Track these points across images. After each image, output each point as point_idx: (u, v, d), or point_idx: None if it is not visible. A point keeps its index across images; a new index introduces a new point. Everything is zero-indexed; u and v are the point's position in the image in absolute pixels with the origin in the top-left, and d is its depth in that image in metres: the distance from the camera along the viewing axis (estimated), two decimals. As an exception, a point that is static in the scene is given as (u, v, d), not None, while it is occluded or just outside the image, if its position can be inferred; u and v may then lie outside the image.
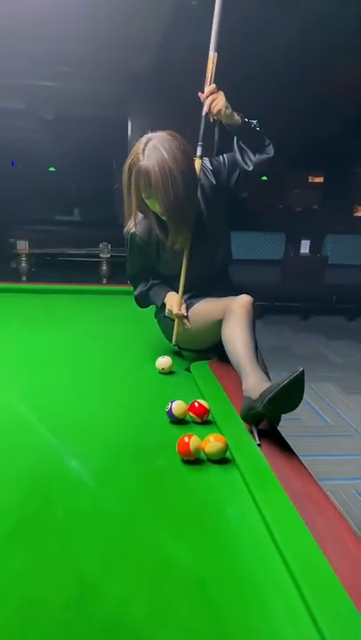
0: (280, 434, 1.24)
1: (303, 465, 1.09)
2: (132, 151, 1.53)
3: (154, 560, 0.82)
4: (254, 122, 1.65)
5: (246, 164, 1.66)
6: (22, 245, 6.88)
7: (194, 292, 1.74)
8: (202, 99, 1.59)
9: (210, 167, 1.71)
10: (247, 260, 5.24)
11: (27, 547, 0.84)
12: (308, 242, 5.38)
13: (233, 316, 1.50)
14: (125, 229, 1.72)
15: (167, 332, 1.82)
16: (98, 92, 5.45)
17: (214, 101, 1.56)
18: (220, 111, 1.56)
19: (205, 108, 1.58)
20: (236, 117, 1.60)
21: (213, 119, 1.60)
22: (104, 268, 6.87)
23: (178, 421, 1.30)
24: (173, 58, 4.35)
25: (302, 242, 5.41)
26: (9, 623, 0.69)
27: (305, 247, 5.42)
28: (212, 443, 1.12)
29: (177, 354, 1.83)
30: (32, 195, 9.75)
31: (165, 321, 1.80)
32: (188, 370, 1.68)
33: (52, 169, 11.09)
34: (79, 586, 0.76)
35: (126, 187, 1.57)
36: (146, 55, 4.36)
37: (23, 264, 6.87)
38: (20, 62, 4.48)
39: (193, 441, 1.12)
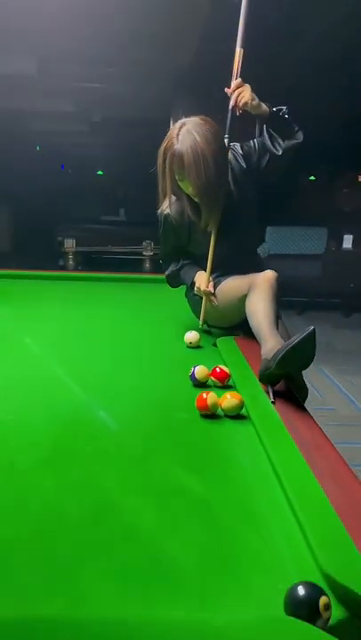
0: (295, 396, 1.29)
1: (313, 419, 1.15)
2: (167, 136, 1.63)
3: (166, 487, 0.92)
4: (283, 108, 1.72)
5: (276, 148, 1.73)
6: (69, 243, 7.15)
7: (222, 272, 1.82)
8: (228, 93, 1.67)
9: (240, 152, 1.79)
10: (288, 255, 5.24)
11: (55, 472, 0.96)
12: (351, 237, 5.33)
13: (257, 289, 1.57)
14: (159, 211, 1.82)
15: (197, 311, 1.91)
16: (142, 93, 5.61)
17: (240, 95, 1.64)
18: (246, 104, 1.63)
19: (232, 102, 1.66)
20: (264, 108, 1.66)
21: (240, 112, 1.68)
22: (147, 264, 7.04)
23: (200, 384, 1.39)
24: (215, 56, 4.43)
25: (345, 236, 5.36)
26: (38, 527, 0.80)
27: (348, 242, 5.37)
28: (228, 399, 1.20)
29: (206, 332, 1.91)
30: (79, 196, 10.07)
31: (195, 299, 1.89)
32: (214, 345, 1.76)
33: (100, 173, 11.41)
34: (98, 503, 0.87)
35: (161, 170, 1.67)
36: (188, 54, 4.47)
37: (70, 261, 7.15)
38: (66, 65, 4.69)
39: (210, 397, 1.20)
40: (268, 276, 1.61)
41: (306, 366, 1.29)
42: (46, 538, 0.78)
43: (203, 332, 1.90)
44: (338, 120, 6.05)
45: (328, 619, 0.62)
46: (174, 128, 1.62)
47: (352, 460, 2.67)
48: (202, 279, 1.78)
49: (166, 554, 0.75)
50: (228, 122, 1.71)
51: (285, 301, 5.99)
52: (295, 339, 1.23)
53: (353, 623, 0.65)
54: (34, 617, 0.59)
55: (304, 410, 1.20)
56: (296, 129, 1.74)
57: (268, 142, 1.74)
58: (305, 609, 0.61)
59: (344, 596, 0.66)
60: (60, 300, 2.48)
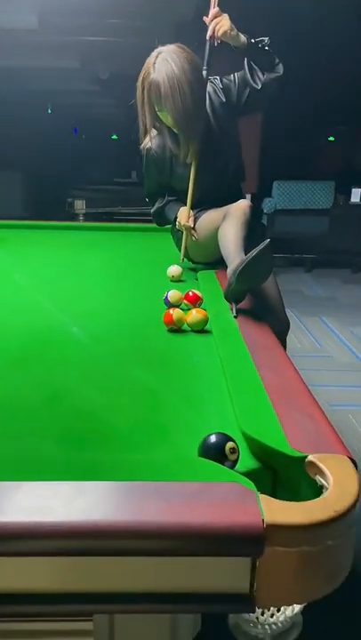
0: (260, 315, 1.35)
1: (271, 331, 1.21)
2: (144, 66, 1.65)
3: (121, 381, 1.00)
4: (265, 40, 1.71)
5: (255, 82, 1.72)
6: (79, 205, 7.20)
7: (205, 207, 1.86)
8: (206, 22, 1.66)
9: (220, 85, 1.79)
10: (294, 210, 5.20)
11: (21, 371, 1.05)
12: (360, 190, 5.24)
13: (229, 217, 1.62)
14: (142, 146, 1.85)
15: (180, 246, 1.96)
16: (147, 47, 5.50)
17: (218, 24, 1.62)
18: (225, 33, 1.62)
19: (210, 32, 1.65)
20: (243, 39, 1.65)
21: (218, 42, 1.67)
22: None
23: (173, 307, 1.45)
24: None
25: (353, 190, 5.27)
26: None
27: (356, 196, 5.29)
28: (193, 314, 1.27)
29: (191, 270, 1.96)
30: (92, 158, 10.01)
31: (178, 235, 1.93)
32: (196, 279, 1.82)
33: (114, 137, 11.29)
34: (55, 393, 0.96)
35: (140, 101, 1.69)
36: (190, 3, 4.37)
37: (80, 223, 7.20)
38: (68, 18, 4.64)
39: (176, 312, 1.27)
40: (241, 204, 1.64)
41: (263, 280, 1.35)
42: (6, 416, 0.87)
43: (188, 268, 1.95)
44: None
45: (235, 461, 0.69)
46: (151, 57, 1.62)
47: (338, 400, 2.75)
48: (183, 214, 1.82)
49: (108, 424, 0.83)
50: (207, 53, 1.70)
51: (294, 259, 5.99)
52: (252, 253, 1.28)
53: (266, 473, 0.73)
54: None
55: (264, 323, 1.26)
56: (277, 61, 1.73)
57: (248, 76, 1.73)
58: (213, 451, 0.68)
59: (258, 449, 0.73)
60: (58, 246, 2.55)
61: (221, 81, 1.79)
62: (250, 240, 1.61)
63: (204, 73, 1.73)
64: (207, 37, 1.67)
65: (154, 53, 1.63)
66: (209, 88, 1.75)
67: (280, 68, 1.73)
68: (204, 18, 1.67)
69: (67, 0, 4.32)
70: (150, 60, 1.62)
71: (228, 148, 1.82)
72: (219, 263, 1.85)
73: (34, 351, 1.15)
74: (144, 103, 1.67)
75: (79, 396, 0.94)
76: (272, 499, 0.60)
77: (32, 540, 0.57)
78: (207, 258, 1.89)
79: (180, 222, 1.82)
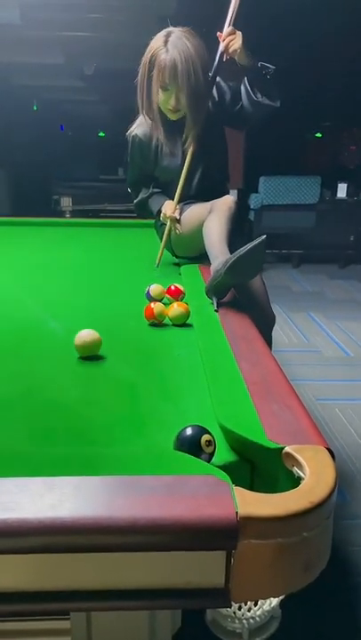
0: (242, 308, 1.34)
1: (252, 324, 1.20)
2: (151, 46, 1.62)
3: (99, 375, 0.98)
4: (270, 68, 1.67)
5: (250, 100, 1.70)
6: (66, 202, 7.14)
7: (190, 201, 1.84)
8: (220, 38, 1.64)
9: (221, 84, 1.77)
10: (281, 205, 5.20)
11: (-2, 365, 1.02)
12: (346, 185, 5.25)
13: (214, 212, 1.60)
14: (128, 132, 1.83)
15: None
16: (131, 41, 5.46)
17: (232, 42, 1.61)
18: (235, 51, 1.61)
19: (221, 47, 1.64)
20: (250, 60, 1.64)
21: (227, 58, 1.66)
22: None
23: (155, 302, 1.43)
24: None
25: (339, 185, 5.29)
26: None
27: (342, 191, 5.30)
28: (175, 308, 1.26)
29: (175, 264, 1.94)
30: (77, 156, 9.94)
31: (163, 229, 1.92)
32: (180, 274, 1.80)
33: (101, 134, 11.21)
34: (31, 385, 0.94)
35: (141, 83, 1.67)
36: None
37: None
38: (51, 12, 4.58)
39: (157, 306, 1.26)
40: (227, 199, 1.64)
41: (252, 276, 1.34)
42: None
43: (171, 262, 1.93)
44: (348, 77, 5.88)
45: (211, 453, 0.68)
46: (159, 37, 1.60)
47: (325, 394, 2.76)
48: (169, 206, 1.80)
49: (83, 418, 0.82)
50: (215, 65, 1.69)
51: (281, 254, 6.00)
52: (247, 246, 1.27)
53: (243, 465, 0.72)
54: None
55: (245, 315, 1.25)
56: (275, 93, 1.70)
57: (244, 92, 1.71)
58: (188, 444, 0.67)
59: (235, 441, 0.72)
60: (40, 241, 2.52)
61: (219, 82, 1.77)
62: (236, 236, 1.60)
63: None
64: (218, 52, 1.66)
65: (162, 33, 1.62)
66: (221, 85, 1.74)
67: (277, 101, 1.71)
68: (219, 34, 1.65)
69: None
70: (158, 39, 1.61)
71: (217, 144, 1.81)
72: (202, 257, 1.84)
73: (10, 345, 1.13)
74: (144, 85, 1.66)
75: (55, 389, 0.92)
76: (246, 491, 0.59)
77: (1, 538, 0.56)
78: (191, 252, 1.87)
79: (165, 214, 1.80)
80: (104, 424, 0.79)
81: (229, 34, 1.62)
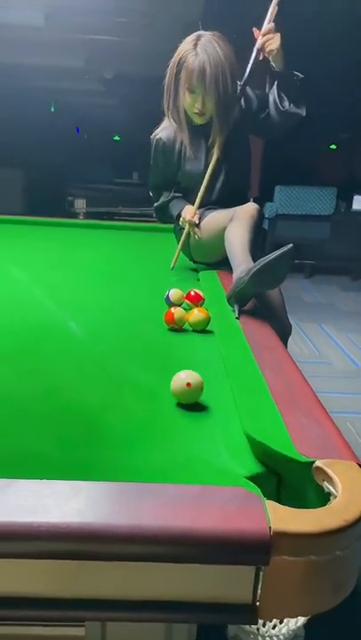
0: (262, 316, 1.32)
1: (273, 331, 1.18)
2: (180, 49, 1.61)
3: (118, 379, 0.97)
4: (300, 75, 1.67)
5: (277, 110, 1.69)
6: (80, 204, 7.18)
7: (211, 207, 1.83)
8: (256, 35, 1.61)
9: (247, 92, 1.76)
10: (295, 215, 5.18)
11: (18, 365, 1.01)
12: (362, 198, 5.23)
13: (237, 219, 1.59)
14: (152, 135, 1.83)
15: (184, 247, 1.93)
16: (154, 47, 5.49)
17: (270, 40, 1.58)
18: (272, 51, 1.58)
19: (258, 44, 1.60)
20: (283, 64, 1.62)
21: (263, 56, 1.63)
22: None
23: (174, 306, 1.42)
24: (223, 8, 4.32)
25: (355, 197, 5.26)
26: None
27: (358, 203, 5.27)
28: (195, 314, 1.24)
29: (193, 270, 1.93)
30: (93, 158, 9.99)
31: (181, 233, 1.90)
32: (198, 279, 1.79)
33: (116, 138, 11.25)
34: (51, 386, 0.92)
35: (168, 86, 1.66)
36: (196, 6, 4.35)
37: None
38: (74, 16, 4.61)
39: (178, 311, 1.24)
40: (250, 207, 1.62)
41: (276, 285, 1.32)
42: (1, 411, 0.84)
43: (189, 267, 1.92)
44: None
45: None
46: (189, 40, 1.60)
47: (340, 407, 2.73)
48: (189, 210, 1.79)
49: (105, 423, 0.80)
50: (250, 64, 1.66)
51: (294, 264, 5.97)
52: (274, 254, 1.25)
53: (270, 478, 0.70)
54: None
55: (266, 323, 1.23)
56: (303, 101, 1.70)
57: (272, 101, 1.70)
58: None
59: (263, 453, 0.70)
60: (58, 242, 2.52)
61: (246, 89, 1.77)
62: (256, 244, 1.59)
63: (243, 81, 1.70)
64: (254, 49, 1.63)
65: (191, 37, 1.61)
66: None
67: (303, 109, 1.70)
68: (255, 30, 1.62)
69: (74, -2, 4.30)
70: (188, 42, 1.60)
71: (241, 151, 1.80)
72: (221, 264, 1.83)
73: (30, 345, 1.11)
74: (171, 88, 1.65)
75: (75, 392, 0.90)
76: (278, 505, 0.57)
77: (24, 542, 0.54)
78: (210, 258, 1.86)
79: (184, 218, 1.79)
80: (124, 430, 0.77)
81: (268, 31, 1.59)
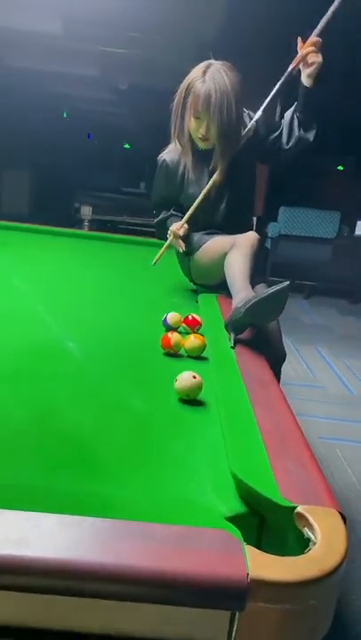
0: (257, 345, 1.34)
1: (267, 364, 1.20)
2: (190, 75, 1.66)
3: (112, 405, 0.98)
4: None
5: (289, 140, 1.75)
6: (86, 210, 7.21)
7: (213, 231, 1.86)
8: (300, 46, 1.61)
9: (255, 119, 1.79)
10: (298, 237, 5.22)
11: (13, 386, 1.03)
12: (365, 223, 5.28)
13: (237, 247, 1.62)
14: (158, 157, 1.87)
15: (185, 269, 1.95)
16: (169, 62, 5.57)
17: (314, 55, 1.59)
18: (314, 64, 1.60)
19: (302, 54, 1.59)
20: (314, 82, 1.65)
21: (299, 69, 1.64)
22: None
23: (172, 330, 1.44)
24: (241, 24, 4.39)
25: (358, 222, 5.31)
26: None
27: (360, 229, 5.33)
28: (191, 340, 1.26)
29: (193, 291, 1.95)
30: (102, 165, 10.06)
31: (182, 256, 1.93)
32: (196, 301, 1.81)
33: (126, 146, 11.35)
34: (45, 412, 0.94)
35: (175, 109, 1.71)
36: (213, 27, 4.43)
37: (85, 229, 7.21)
38: (92, 27, 4.69)
39: (175, 336, 1.26)
40: (251, 236, 1.65)
41: (272, 319, 1.34)
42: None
43: (188, 289, 1.94)
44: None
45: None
46: (199, 68, 1.64)
47: (327, 432, 2.74)
48: (177, 223, 1.81)
49: (95, 452, 0.82)
50: (288, 72, 1.65)
51: (294, 284, 6.01)
52: (270, 290, 1.27)
53: (252, 518, 0.72)
54: None
55: (260, 355, 1.25)
56: (314, 125, 1.75)
57: (288, 121, 1.76)
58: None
59: (247, 494, 0.72)
60: (62, 252, 2.54)
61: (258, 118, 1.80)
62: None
63: (276, 87, 1.71)
64: (294, 60, 1.63)
65: (202, 65, 1.65)
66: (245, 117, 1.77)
67: (312, 135, 1.75)
68: (299, 40, 1.61)
69: (92, 10, 4.37)
70: (198, 69, 1.64)
71: (246, 178, 1.83)
72: (220, 287, 1.85)
73: (27, 365, 1.13)
74: (178, 111, 1.70)
75: (69, 418, 0.92)
76: (257, 551, 0.59)
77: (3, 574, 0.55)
78: (209, 281, 1.88)
79: (170, 229, 1.80)
80: (116, 459, 0.79)
81: (314, 44, 1.59)
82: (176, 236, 1.79)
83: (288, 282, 1.26)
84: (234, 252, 1.61)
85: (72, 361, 1.19)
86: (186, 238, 1.80)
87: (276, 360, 1.74)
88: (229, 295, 1.69)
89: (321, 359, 3.87)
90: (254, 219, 4.87)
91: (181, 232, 1.78)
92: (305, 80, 1.66)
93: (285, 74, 1.68)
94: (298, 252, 5.20)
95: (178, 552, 0.57)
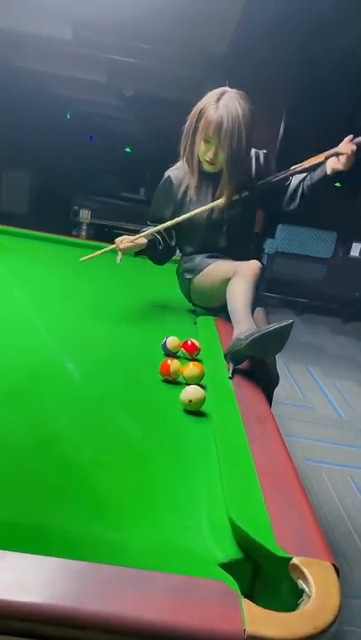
0: (255, 380, 1.35)
1: (264, 397, 1.21)
2: (203, 100, 1.70)
3: (112, 433, 0.99)
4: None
5: (289, 204, 1.82)
6: (85, 214, 7.21)
7: (215, 255, 1.87)
8: (347, 141, 1.61)
9: (262, 159, 1.83)
10: (294, 255, 5.27)
11: (12, 407, 1.03)
12: (360, 245, 5.35)
13: (240, 275, 1.63)
14: (165, 172, 1.89)
15: (183, 287, 1.97)
16: (174, 74, 5.61)
17: (349, 157, 1.60)
18: (345, 165, 1.61)
19: (342, 148, 1.60)
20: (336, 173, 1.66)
21: (330, 168, 1.64)
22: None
23: (170, 354, 1.45)
24: (250, 39, 4.44)
25: (354, 244, 5.38)
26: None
27: (356, 250, 5.39)
28: (190, 368, 1.27)
29: (191, 311, 1.97)
30: (103, 169, 10.07)
31: (183, 277, 1.94)
32: (195, 323, 1.83)
33: (127, 149, 11.39)
34: (45, 437, 0.94)
35: (187, 131, 1.75)
36: (222, 41, 4.47)
37: (83, 232, 7.20)
38: (101, 35, 4.72)
39: (174, 363, 1.27)
40: (253, 264, 1.67)
41: (272, 354, 1.36)
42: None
43: (187, 309, 1.96)
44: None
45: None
46: (214, 93, 1.68)
47: (314, 455, 2.76)
48: (126, 236, 1.79)
49: (94, 486, 0.82)
50: (319, 160, 1.67)
51: (286, 300, 6.05)
52: (273, 326, 1.29)
53: (247, 564, 0.73)
54: None
55: (258, 388, 1.26)
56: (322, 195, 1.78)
57: (289, 193, 1.80)
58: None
59: (243, 540, 0.73)
60: (63, 262, 2.53)
61: (266, 160, 1.83)
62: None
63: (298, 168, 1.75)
64: (332, 151, 1.64)
65: (217, 91, 1.69)
66: (252, 154, 1.80)
67: (310, 205, 1.81)
68: (348, 138, 1.62)
69: (103, 19, 4.39)
70: (212, 95, 1.68)
71: (248, 209, 1.85)
72: (219, 310, 1.87)
73: (25, 387, 1.13)
74: (189, 133, 1.73)
75: (68, 445, 0.92)
76: (253, 605, 0.60)
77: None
78: (208, 304, 1.90)
79: (117, 239, 1.78)
80: (115, 498, 0.80)
81: (357, 146, 1.60)
82: (117, 246, 1.75)
83: (292, 321, 1.28)
84: (236, 280, 1.62)
85: (70, 383, 1.20)
86: (148, 249, 1.85)
87: (268, 383, 1.76)
88: (228, 318, 1.71)
89: (311, 379, 3.90)
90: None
91: (126, 245, 1.75)
92: (328, 169, 1.66)
93: (311, 162, 1.70)
94: (293, 269, 5.25)
95: (177, 604, 0.58)
